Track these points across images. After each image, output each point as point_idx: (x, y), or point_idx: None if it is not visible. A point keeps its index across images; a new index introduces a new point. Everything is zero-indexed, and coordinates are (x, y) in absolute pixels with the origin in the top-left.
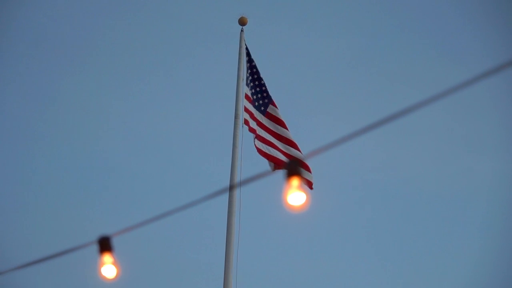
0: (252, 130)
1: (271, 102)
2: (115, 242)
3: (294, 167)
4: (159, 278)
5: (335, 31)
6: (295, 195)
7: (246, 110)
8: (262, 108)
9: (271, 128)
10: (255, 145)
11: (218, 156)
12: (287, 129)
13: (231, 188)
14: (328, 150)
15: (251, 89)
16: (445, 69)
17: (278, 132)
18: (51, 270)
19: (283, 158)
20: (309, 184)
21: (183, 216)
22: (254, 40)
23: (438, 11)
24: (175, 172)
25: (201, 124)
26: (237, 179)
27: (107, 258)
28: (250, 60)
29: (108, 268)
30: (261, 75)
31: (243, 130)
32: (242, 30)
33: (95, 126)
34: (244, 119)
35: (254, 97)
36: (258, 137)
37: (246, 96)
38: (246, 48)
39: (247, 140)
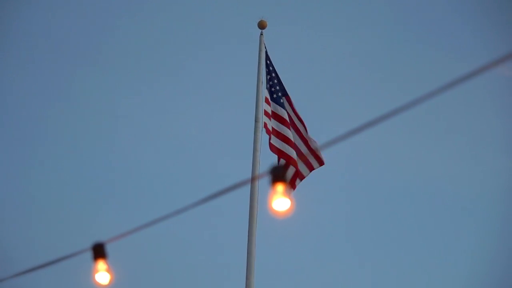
0: (268, 131)
1: (286, 96)
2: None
3: (279, 173)
4: (177, 280)
5: (353, 33)
6: (280, 201)
7: (266, 113)
8: (281, 101)
9: (288, 121)
10: (270, 142)
11: (238, 160)
12: (302, 123)
13: (252, 193)
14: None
15: (269, 88)
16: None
17: (296, 125)
18: (46, 274)
19: (295, 156)
20: (292, 186)
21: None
22: (273, 43)
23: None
24: (194, 176)
25: (221, 128)
26: (257, 183)
27: (101, 265)
28: (269, 64)
29: (102, 274)
30: (281, 79)
31: (262, 134)
32: (261, 34)
33: (116, 128)
34: (264, 122)
35: (273, 90)
36: (274, 132)
37: (266, 100)
38: (266, 52)
39: (268, 144)
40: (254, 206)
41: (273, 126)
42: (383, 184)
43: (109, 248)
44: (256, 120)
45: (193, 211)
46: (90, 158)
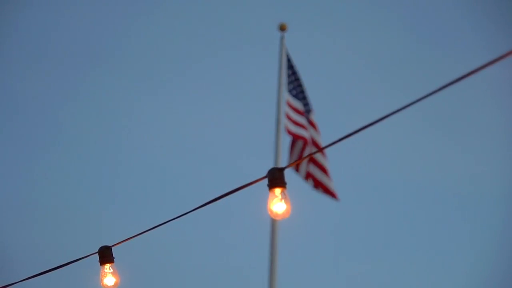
0: (290, 133)
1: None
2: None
3: (277, 176)
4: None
5: (376, 35)
6: (278, 205)
7: (287, 116)
8: (308, 111)
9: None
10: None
11: (260, 162)
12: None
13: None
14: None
15: (293, 95)
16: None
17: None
18: (52, 277)
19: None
20: (332, 195)
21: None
22: (294, 45)
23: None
24: (215, 177)
25: (242, 130)
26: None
27: (108, 269)
28: (291, 66)
29: (109, 278)
30: (302, 81)
31: (284, 135)
32: (282, 37)
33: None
34: (285, 125)
35: (299, 100)
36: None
37: (288, 103)
38: (287, 54)
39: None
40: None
41: (294, 120)
42: (399, 184)
43: (120, 250)
44: (278, 123)
45: (209, 211)
46: (98, 159)
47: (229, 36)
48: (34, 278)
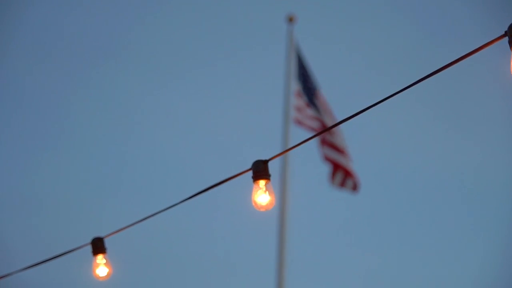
0: (300, 123)
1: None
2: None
3: (261, 168)
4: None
5: (388, 24)
6: (262, 197)
7: (297, 108)
8: (312, 96)
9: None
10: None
11: (269, 154)
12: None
13: (284, 185)
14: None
15: (301, 83)
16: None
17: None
18: (45, 268)
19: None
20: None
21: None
22: (302, 36)
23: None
24: (224, 169)
25: (250, 122)
26: (288, 175)
27: (100, 259)
28: (299, 56)
29: (101, 269)
30: (311, 71)
31: (292, 126)
32: (290, 27)
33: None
34: (295, 116)
35: (304, 86)
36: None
37: (296, 93)
38: (295, 45)
39: (297, 137)
40: (285, 197)
41: (308, 117)
42: (421, 175)
43: (119, 239)
44: (286, 114)
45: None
46: (105, 152)
47: (240, 29)
48: (29, 269)
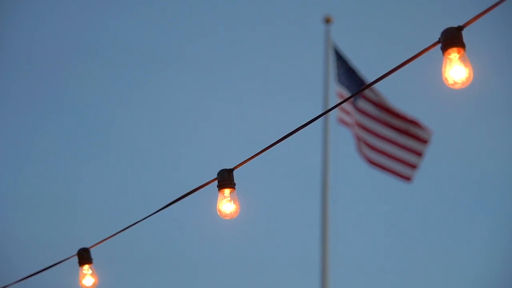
0: (346, 124)
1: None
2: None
3: (226, 177)
4: (249, 271)
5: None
6: (227, 206)
7: (341, 108)
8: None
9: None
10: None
11: (308, 154)
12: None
13: (325, 187)
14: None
15: (345, 86)
16: None
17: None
18: (32, 280)
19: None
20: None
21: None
22: (341, 36)
23: None
24: (264, 169)
25: (290, 122)
26: (329, 175)
27: (86, 270)
28: (339, 57)
29: (87, 279)
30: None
31: (334, 126)
32: (327, 28)
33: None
34: (338, 117)
35: (348, 85)
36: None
37: (339, 94)
38: (334, 45)
39: (339, 138)
40: (327, 199)
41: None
42: (460, 176)
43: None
44: (325, 114)
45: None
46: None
47: (279, 29)
48: (16, 284)
